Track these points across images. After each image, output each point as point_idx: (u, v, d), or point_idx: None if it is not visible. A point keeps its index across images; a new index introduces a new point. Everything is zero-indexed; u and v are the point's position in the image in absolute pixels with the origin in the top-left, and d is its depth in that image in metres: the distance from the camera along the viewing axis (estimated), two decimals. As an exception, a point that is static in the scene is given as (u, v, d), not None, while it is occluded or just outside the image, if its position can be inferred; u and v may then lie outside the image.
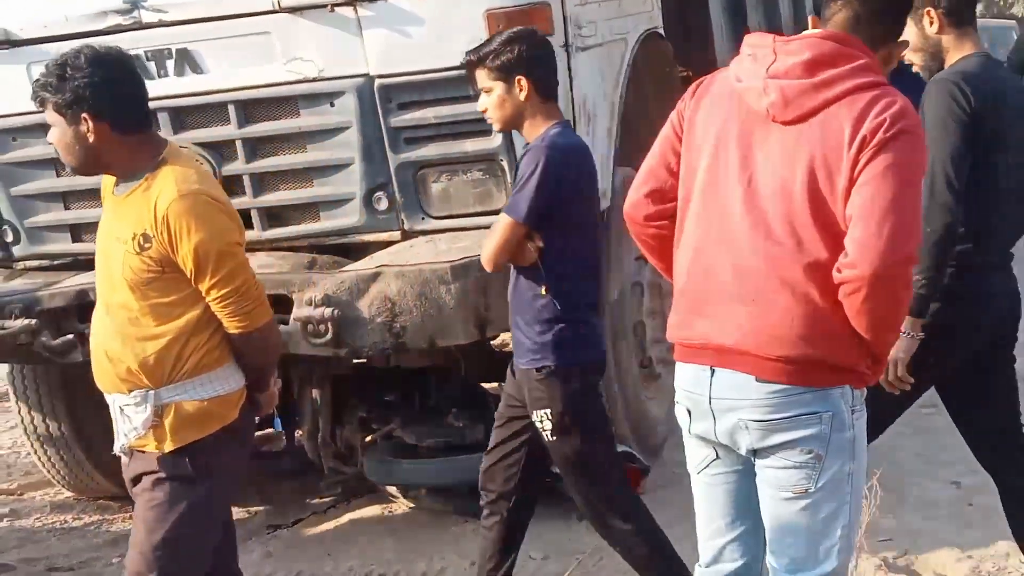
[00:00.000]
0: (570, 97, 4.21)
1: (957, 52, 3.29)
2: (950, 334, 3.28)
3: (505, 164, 4.10)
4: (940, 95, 3.16)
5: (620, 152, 4.74)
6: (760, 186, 2.44)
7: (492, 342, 5.71)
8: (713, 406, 2.51)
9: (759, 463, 2.54)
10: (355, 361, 4.81)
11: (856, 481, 2.54)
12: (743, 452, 2.55)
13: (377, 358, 4.79)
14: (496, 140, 4.07)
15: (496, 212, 4.16)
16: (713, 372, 2.50)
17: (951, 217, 3.10)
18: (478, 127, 4.09)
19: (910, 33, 3.20)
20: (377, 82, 4.11)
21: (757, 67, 2.47)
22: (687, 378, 2.57)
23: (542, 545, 4.39)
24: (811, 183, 2.38)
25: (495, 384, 5.61)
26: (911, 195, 2.35)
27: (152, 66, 4.24)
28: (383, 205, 4.22)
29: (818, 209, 2.38)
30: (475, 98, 4.07)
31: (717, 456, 2.63)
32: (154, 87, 4.20)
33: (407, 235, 4.24)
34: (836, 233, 2.37)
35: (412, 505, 4.81)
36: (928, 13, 3.27)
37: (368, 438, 4.90)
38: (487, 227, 4.18)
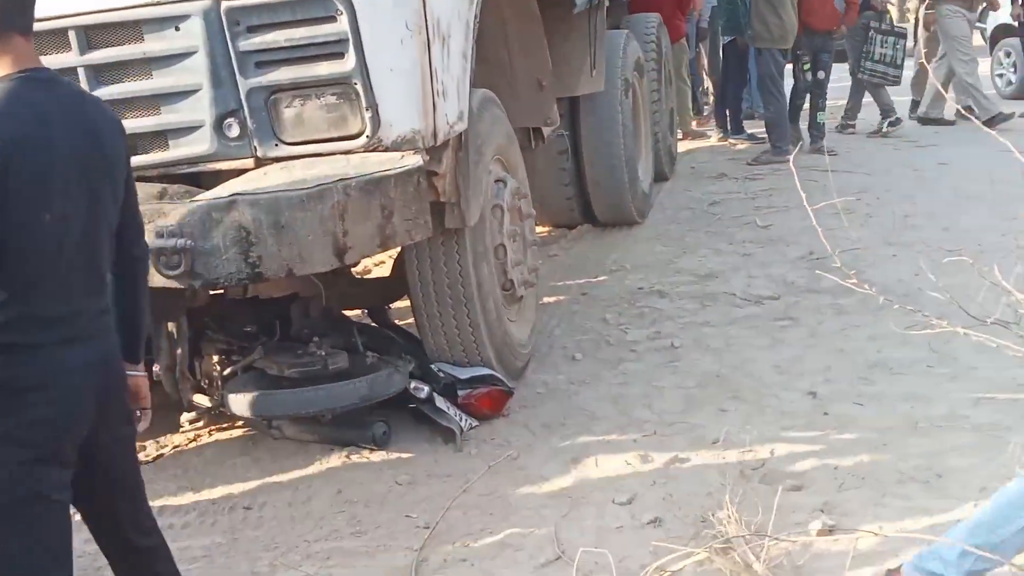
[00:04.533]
0: (423, 17, 4.14)
1: None
2: None
3: (360, 88, 4.02)
4: None
5: (476, 73, 4.71)
6: None
7: (353, 268, 5.69)
8: None
9: None
10: (212, 292, 4.74)
11: None
12: None
13: (234, 288, 4.73)
14: (350, 63, 3.98)
15: (352, 137, 4.13)
16: None
17: None
18: (331, 49, 4.01)
19: None
20: (224, 4, 3.98)
21: None
22: None
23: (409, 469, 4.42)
24: None
25: (358, 311, 5.60)
26: None
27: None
28: (234, 132, 4.11)
29: None
30: (328, 20, 4.00)
31: None
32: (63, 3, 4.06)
33: (260, 162, 4.15)
34: None
35: (275, 436, 4.76)
36: None
37: (228, 370, 4.82)
38: (343, 152, 4.14)
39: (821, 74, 10.57)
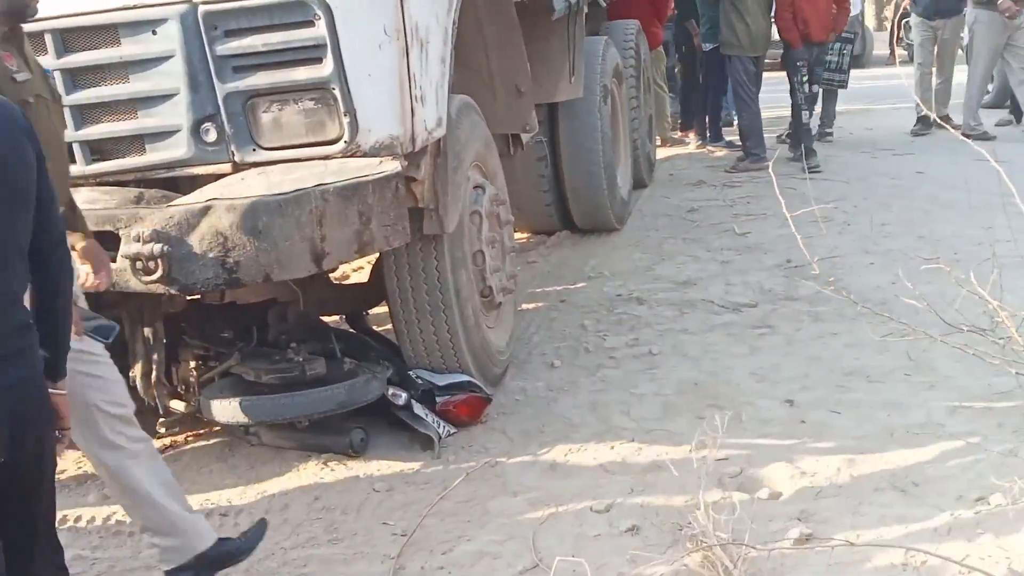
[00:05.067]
0: (401, 22, 4.14)
1: None
2: None
3: (338, 93, 4.01)
4: None
5: (454, 79, 4.70)
6: None
7: (332, 274, 5.67)
8: None
9: None
10: (188, 298, 4.71)
11: None
12: None
13: (211, 294, 4.71)
14: (328, 67, 3.97)
15: (330, 143, 4.11)
16: None
17: None
18: (309, 54, 4.00)
19: None
20: (201, 8, 3.97)
21: None
22: None
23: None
24: None
25: (336, 317, 5.58)
26: None
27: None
28: (212, 136, 4.10)
29: None
30: (306, 24, 3.98)
31: None
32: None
33: (238, 167, 4.13)
34: None
35: (252, 442, 4.73)
36: None
37: (205, 376, 4.79)
38: (321, 158, 4.13)
39: (816, 88, 10.46)
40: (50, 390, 2.74)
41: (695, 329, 5.92)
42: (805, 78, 10.14)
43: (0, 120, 2.59)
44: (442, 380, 4.80)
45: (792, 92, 10.19)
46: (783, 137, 10.95)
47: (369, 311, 5.49)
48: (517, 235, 7.23)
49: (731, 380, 5.17)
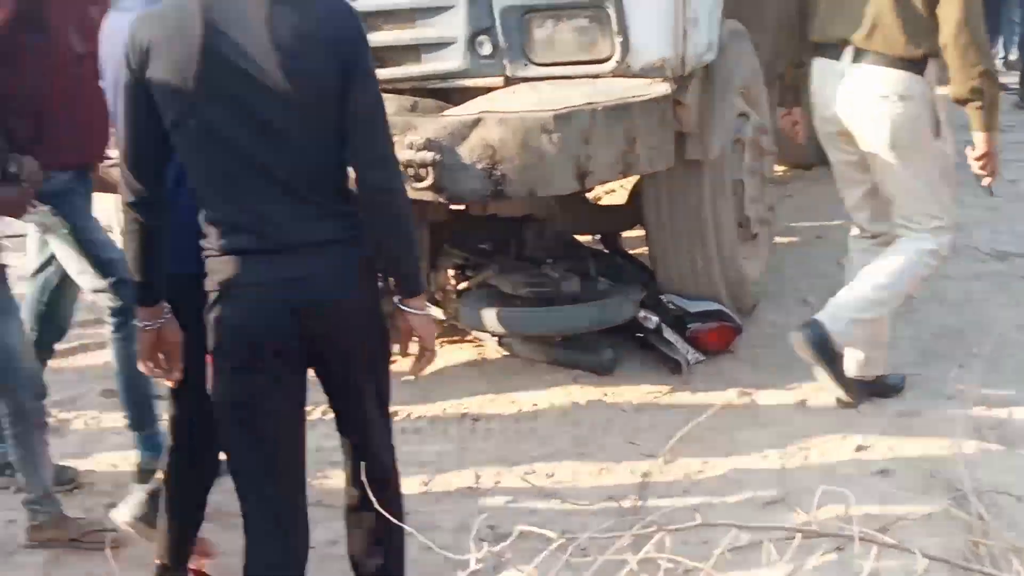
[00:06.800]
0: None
1: None
2: None
3: (612, 12, 4.02)
4: None
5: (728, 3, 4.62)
6: None
7: (588, 194, 5.70)
8: None
9: None
10: (452, 207, 4.82)
11: None
12: None
13: (475, 205, 4.81)
14: (604, -15, 3.98)
15: (601, 61, 4.12)
16: None
17: None
18: (587, -29, 4.01)
19: None
20: (485, -79, 4.03)
21: None
22: None
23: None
24: None
25: (591, 236, 5.61)
26: None
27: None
28: (486, 50, 4.16)
29: None
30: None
31: None
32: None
33: (509, 81, 4.19)
34: None
35: (505, 352, 4.84)
36: None
37: (463, 285, 4.92)
38: (592, 76, 4.14)
39: None
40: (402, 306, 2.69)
41: (957, 275, 5.69)
42: None
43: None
44: (694, 307, 4.77)
45: None
46: None
47: (623, 233, 5.49)
48: (776, 168, 7.08)
49: (993, 329, 4.97)
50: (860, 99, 3.95)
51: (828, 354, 4.08)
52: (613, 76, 4.12)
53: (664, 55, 4.13)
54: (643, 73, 4.12)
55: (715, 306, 4.82)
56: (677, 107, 4.30)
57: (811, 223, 6.68)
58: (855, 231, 4.37)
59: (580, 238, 5.44)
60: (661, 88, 4.11)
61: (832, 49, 4.01)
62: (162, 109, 2.52)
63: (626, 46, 4.06)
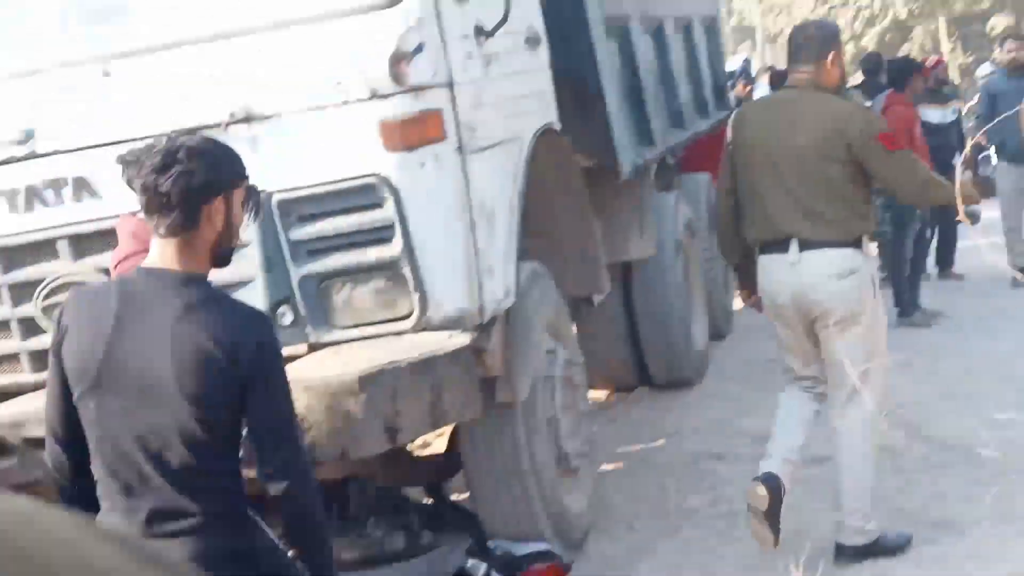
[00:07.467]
0: (467, 199, 4.26)
1: None
2: None
3: (408, 271, 4.13)
4: None
5: (522, 247, 4.78)
6: None
7: (409, 446, 5.71)
8: None
9: None
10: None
11: None
12: None
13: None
14: (398, 247, 4.11)
15: (401, 319, 4.21)
16: None
17: None
18: (379, 235, 4.14)
19: None
20: (275, 197, 4.13)
21: None
22: None
23: None
24: None
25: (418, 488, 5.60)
26: None
27: (49, 194, 4.22)
28: (288, 319, 4.22)
29: None
30: (375, 207, 4.12)
31: None
32: (52, 215, 4.22)
33: (314, 348, 4.24)
34: None
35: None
36: None
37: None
38: (395, 334, 4.22)
39: None
40: None
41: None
42: None
43: None
44: (521, 549, 4.77)
45: None
46: None
47: (447, 480, 5.50)
48: (597, 392, 7.23)
49: (818, 537, 5.07)
50: (815, 282, 4.53)
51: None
52: (415, 331, 4.20)
53: (462, 307, 4.25)
54: (444, 326, 4.22)
55: (543, 546, 4.84)
56: (481, 355, 4.39)
57: (634, 446, 6.81)
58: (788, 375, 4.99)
59: (407, 489, 5.43)
60: (462, 339, 4.21)
61: (778, 245, 4.56)
62: (72, 385, 2.65)
63: (424, 301, 4.17)
